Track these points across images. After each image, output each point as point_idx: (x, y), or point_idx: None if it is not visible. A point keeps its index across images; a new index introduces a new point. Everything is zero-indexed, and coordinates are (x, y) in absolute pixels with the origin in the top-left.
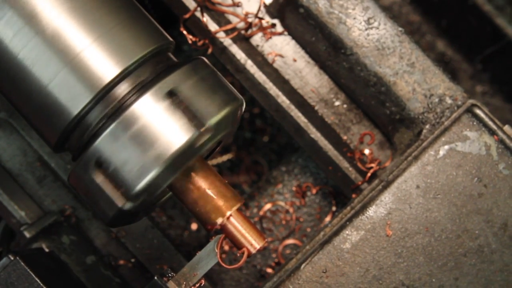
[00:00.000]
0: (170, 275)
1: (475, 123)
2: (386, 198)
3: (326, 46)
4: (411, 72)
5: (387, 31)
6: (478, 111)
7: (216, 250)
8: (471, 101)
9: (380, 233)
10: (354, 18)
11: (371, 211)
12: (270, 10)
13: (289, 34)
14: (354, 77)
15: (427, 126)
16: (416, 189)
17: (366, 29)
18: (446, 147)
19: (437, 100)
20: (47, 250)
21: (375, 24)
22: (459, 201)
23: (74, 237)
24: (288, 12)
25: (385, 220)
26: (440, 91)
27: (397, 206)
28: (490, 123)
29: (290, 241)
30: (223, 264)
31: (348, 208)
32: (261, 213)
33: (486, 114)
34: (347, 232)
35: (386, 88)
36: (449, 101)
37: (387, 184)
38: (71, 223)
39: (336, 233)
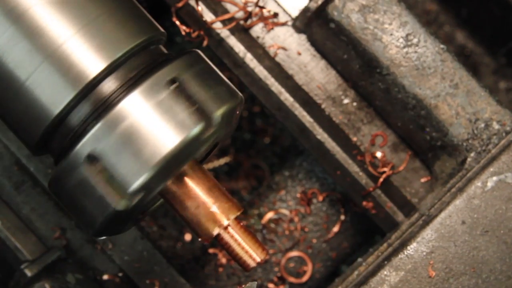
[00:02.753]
0: None
1: None
2: (428, 235)
3: (359, 65)
4: (454, 94)
5: (428, 48)
6: None
7: None
8: None
9: (422, 273)
10: (391, 34)
11: (411, 250)
12: (296, 24)
13: (318, 51)
14: (390, 99)
15: (472, 154)
16: (461, 225)
17: (404, 47)
18: (495, 178)
19: (483, 125)
20: None
21: (415, 40)
22: (509, 238)
23: (80, 276)
24: (317, 27)
25: (427, 260)
26: (486, 115)
27: (441, 244)
28: None
29: (294, 253)
30: None
31: (385, 245)
32: (262, 222)
33: None
34: (385, 272)
35: (426, 111)
36: (496, 126)
37: (429, 219)
38: (76, 259)
39: (373, 273)
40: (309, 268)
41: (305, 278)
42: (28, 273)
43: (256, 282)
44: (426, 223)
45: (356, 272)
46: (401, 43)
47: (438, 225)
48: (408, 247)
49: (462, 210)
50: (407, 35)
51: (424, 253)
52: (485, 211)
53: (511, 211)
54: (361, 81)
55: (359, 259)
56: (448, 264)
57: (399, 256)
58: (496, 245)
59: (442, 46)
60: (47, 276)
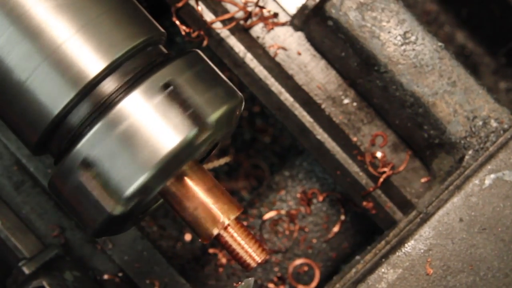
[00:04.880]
0: None
1: None
2: (426, 232)
3: (357, 63)
4: (452, 92)
5: (426, 46)
6: None
7: None
8: None
9: (420, 271)
10: (389, 32)
11: (409, 247)
12: (294, 22)
13: (316, 49)
14: (388, 96)
15: (470, 152)
16: (459, 223)
17: (402, 44)
18: (492, 176)
19: (481, 123)
20: None
21: (412, 38)
22: (507, 236)
23: (77, 273)
24: (315, 25)
25: (425, 257)
26: (484, 113)
27: (438, 242)
28: None
29: (300, 260)
30: None
31: (383, 242)
32: (262, 222)
33: None
34: (382, 270)
35: (424, 109)
36: (494, 124)
37: (427, 217)
38: (74, 256)
39: (371, 271)
40: (316, 275)
41: (313, 285)
42: (26, 270)
43: (253, 279)
44: (424, 221)
45: (354, 270)
46: (399, 40)
47: (435, 223)
48: (406, 245)
49: (460, 208)
50: (405, 32)
51: (422, 251)
52: (483, 209)
53: (508, 209)
54: (359, 78)
55: (357, 257)
56: (446, 261)
57: (397, 253)
58: (493, 242)
59: (440, 43)
60: (45, 273)
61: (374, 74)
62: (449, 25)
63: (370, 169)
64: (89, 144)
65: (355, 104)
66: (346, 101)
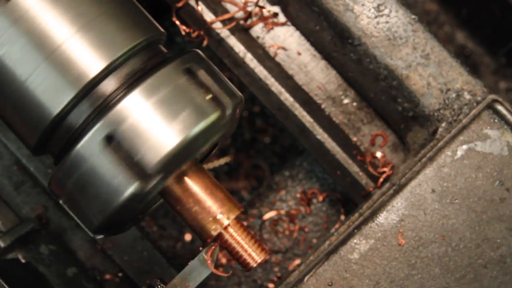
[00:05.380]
0: (159, 287)
1: (496, 120)
2: (398, 203)
3: (331, 36)
4: (426, 65)
5: (399, 19)
6: (499, 107)
7: (206, 257)
8: (491, 96)
9: (392, 242)
10: (363, 5)
11: (381, 218)
12: None
13: (292, 23)
14: (362, 70)
15: (443, 124)
16: (431, 194)
17: (375, 17)
18: (465, 147)
19: (454, 95)
20: (23, 261)
21: (386, 11)
22: (478, 207)
23: (53, 247)
24: None
25: (397, 228)
26: (457, 85)
27: (410, 212)
28: None
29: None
30: (216, 271)
31: (356, 214)
32: (262, 222)
33: (508, 111)
34: (355, 241)
35: (398, 82)
36: (467, 96)
37: (399, 188)
38: (50, 231)
39: (343, 242)
40: None
41: None
42: (1, 244)
43: (211, 244)
44: (397, 192)
45: (327, 242)
46: (373, 13)
47: (408, 194)
48: (378, 216)
49: (432, 179)
50: (379, 5)
51: (394, 222)
52: (455, 180)
53: (480, 180)
54: (333, 52)
55: (332, 230)
56: (418, 232)
57: (369, 224)
58: (465, 213)
59: (413, 16)
60: (20, 247)
61: (348, 47)
62: (449, 25)
63: (370, 169)
64: (87, 145)
65: (355, 104)
66: (346, 101)
